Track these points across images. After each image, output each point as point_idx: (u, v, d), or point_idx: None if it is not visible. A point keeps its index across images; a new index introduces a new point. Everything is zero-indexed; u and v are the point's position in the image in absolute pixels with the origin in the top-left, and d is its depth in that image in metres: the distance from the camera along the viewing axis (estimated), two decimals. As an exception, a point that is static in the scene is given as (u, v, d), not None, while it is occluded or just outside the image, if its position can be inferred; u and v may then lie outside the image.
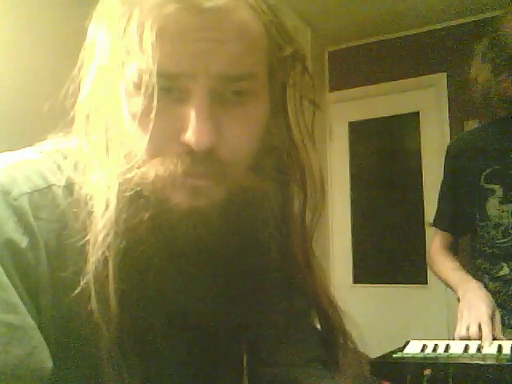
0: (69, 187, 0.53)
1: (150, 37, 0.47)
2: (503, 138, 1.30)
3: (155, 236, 0.50)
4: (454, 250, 1.45)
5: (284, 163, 0.59)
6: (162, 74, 0.47)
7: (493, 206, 1.28)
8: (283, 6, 0.55)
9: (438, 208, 1.47)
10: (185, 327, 0.56)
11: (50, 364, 0.47)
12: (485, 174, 1.30)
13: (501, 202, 1.27)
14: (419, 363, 0.82)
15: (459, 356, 0.88)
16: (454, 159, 1.39)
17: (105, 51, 0.51)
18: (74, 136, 0.55)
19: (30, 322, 0.47)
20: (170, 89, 0.49)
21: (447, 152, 1.43)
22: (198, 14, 0.48)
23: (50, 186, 0.52)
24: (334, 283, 3.88)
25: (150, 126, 0.48)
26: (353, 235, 4.02)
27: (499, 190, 1.28)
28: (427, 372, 0.78)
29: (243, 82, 0.51)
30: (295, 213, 0.60)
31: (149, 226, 0.49)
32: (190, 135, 0.48)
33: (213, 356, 0.59)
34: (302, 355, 0.64)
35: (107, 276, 0.48)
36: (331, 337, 0.63)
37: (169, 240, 0.50)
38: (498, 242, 1.28)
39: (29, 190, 0.50)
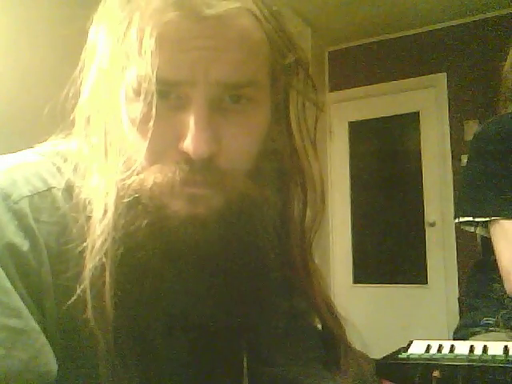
0: (68, 190, 0.52)
1: (149, 43, 0.46)
2: None
3: (153, 242, 0.49)
4: None
5: (284, 169, 0.58)
6: (161, 81, 0.47)
7: None
8: (286, 11, 0.55)
9: (497, 197, 1.10)
10: (184, 329, 0.55)
11: (54, 367, 0.47)
12: None
13: None
14: (427, 364, 0.81)
15: (467, 357, 0.87)
16: (499, 143, 1.17)
17: (105, 55, 0.51)
18: (75, 138, 0.55)
19: (33, 325, 0.46)
20: (170, 96, 0.49)
21: (489, 138, 1.20)
22: (199, 22, 0.48)
23: (49, 189, 0.52)
24: (334, 283, 3.89)
25: (149, 133, 0.47)
26: (353, 235, 4.02)
27: None
28: (436, 374, 0.76)
29: (243, 90, 0.50)
30: (294, 218, 0.60)
31: (147, 232, 0.49)
32: (188, 143, 0.47)
33: (213, 356, 0.59)
34: (302, 355, 0.64)
35: (104, 283, 0.48)
36: (331, 338, 0.63)
37: (167, 246, 0.50)
38: None
39: (29, 193, 0.50)
